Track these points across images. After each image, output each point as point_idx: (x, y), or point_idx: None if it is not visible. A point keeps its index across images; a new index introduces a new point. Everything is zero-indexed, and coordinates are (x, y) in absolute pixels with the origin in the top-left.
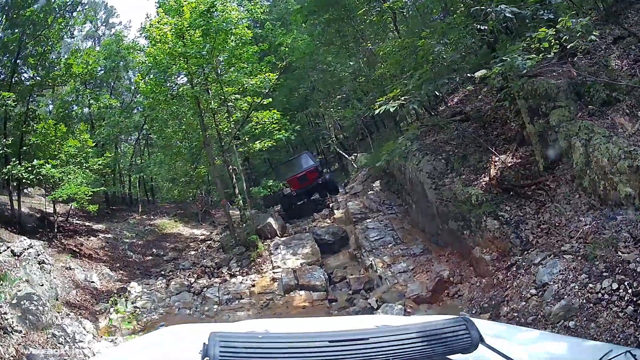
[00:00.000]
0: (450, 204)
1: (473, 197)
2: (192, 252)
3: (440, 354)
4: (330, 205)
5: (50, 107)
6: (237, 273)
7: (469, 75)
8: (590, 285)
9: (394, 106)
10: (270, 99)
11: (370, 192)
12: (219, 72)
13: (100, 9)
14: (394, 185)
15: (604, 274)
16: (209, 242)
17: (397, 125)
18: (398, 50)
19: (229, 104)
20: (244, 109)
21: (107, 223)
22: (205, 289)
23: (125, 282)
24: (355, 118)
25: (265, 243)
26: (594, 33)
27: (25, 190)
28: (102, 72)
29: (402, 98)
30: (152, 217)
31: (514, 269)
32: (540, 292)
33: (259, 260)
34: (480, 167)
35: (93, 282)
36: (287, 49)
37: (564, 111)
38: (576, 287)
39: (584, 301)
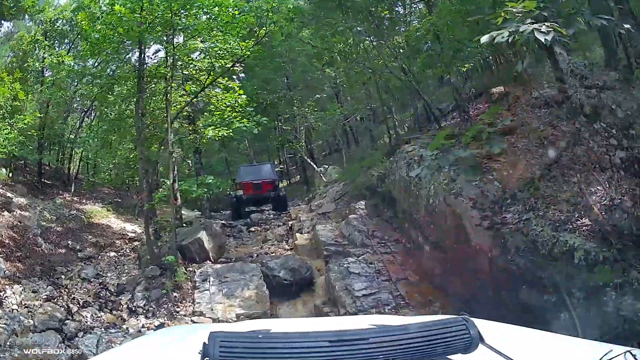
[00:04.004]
0: (525, 259)
1: (579, 251)
2: (112, 254)
3: (440, 354)
4: (289, 223)
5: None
6: (140, 310)
7: None
8: None
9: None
10: (239, 83)
11: (352, 217)
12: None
13: None
14: (387, 212)
15: None
16: (137, 242)
17: (374, 142)
18: None
19: (178, 62)
20: (201, 79)
21: (31, 198)
22: (82, 333)
23: (13, 281)
24: (332, 124)
25: (191, 269)
26: None
27: None
28: (67, 27)
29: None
30: (84, 200)
31: None
32: None
33: (175, 294)
34: (563, 199)
35: None
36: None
37: None
38: None
39: None
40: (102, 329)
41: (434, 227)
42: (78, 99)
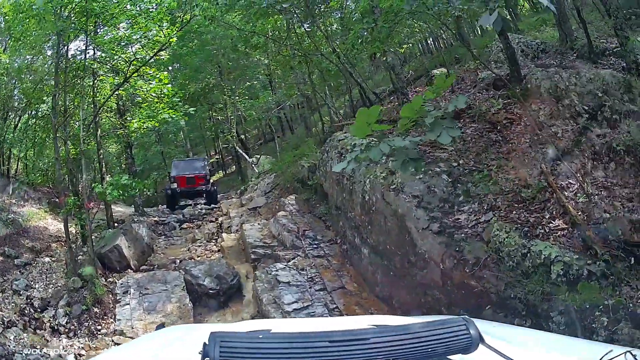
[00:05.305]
0: (488, 273)
1: (557, 265)
2: (46, 259)
3: (440, 354)
4: (219, 220)
5: None
6: (62, 328)
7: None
8: None
9: None
10: (166, 73)
11: (281, 214)
12: None
13: None
14: (319, 207)
15: None
16: (74, 245)
17: (309, 130)
18: None
19: (102, 53)
20: (125, 70)
21: None
22: None
23: None
24: (263, 112)
25: (112, 280)
26: None
27: None
28: (3, 24)
29: None
30: (23, 202)
31: None
32: None
33: (96, 310)
34: (529, 196)
35: None
36: None
37: None
38: None
39: None
40: (24, 354)
41: (372, 228)
42: (16, 96)
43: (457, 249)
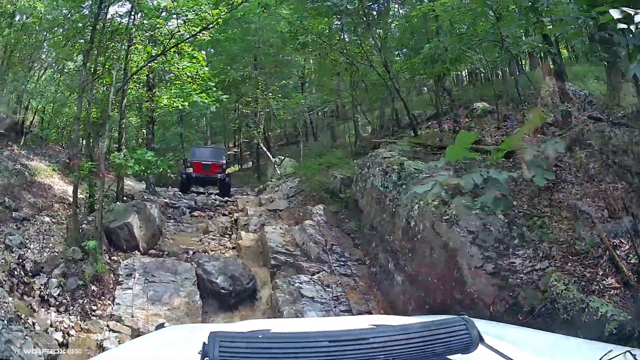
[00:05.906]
0: (542, 322)
1: (612, 323)
2: (47, 219)
3: (440, 354)
4: (235, 215)
5: None
6: (53, 300)
7: None
8: None
9: None
10: (203, 54)
11: (308, 222)
12: None
13: None
14: (349, 223)
15: None
16: (77, 209)
17: (334, 140)
18: None
19: (143, 20)
20: (164, 42)
21: None
22: None
23: None
24: (296, 113)
25: (116, 258)
26: None
27: None
28: None
29: None
30: (31, 155)
31: None
32: None
33: (94, 288)
34: (583, 250)
35: None
36: None
37: None
38: None
39: None
40: (5, 322)
41: (413, 256)
42: (45, 49)
43: (510, 293)
